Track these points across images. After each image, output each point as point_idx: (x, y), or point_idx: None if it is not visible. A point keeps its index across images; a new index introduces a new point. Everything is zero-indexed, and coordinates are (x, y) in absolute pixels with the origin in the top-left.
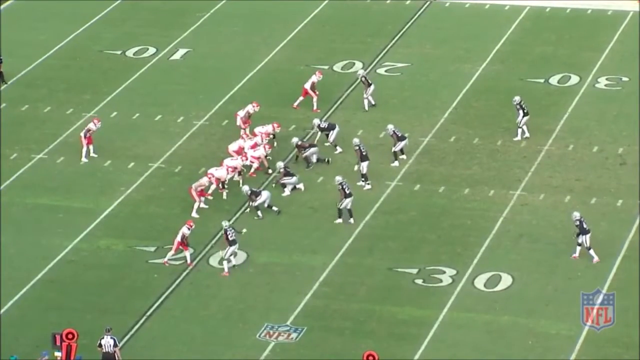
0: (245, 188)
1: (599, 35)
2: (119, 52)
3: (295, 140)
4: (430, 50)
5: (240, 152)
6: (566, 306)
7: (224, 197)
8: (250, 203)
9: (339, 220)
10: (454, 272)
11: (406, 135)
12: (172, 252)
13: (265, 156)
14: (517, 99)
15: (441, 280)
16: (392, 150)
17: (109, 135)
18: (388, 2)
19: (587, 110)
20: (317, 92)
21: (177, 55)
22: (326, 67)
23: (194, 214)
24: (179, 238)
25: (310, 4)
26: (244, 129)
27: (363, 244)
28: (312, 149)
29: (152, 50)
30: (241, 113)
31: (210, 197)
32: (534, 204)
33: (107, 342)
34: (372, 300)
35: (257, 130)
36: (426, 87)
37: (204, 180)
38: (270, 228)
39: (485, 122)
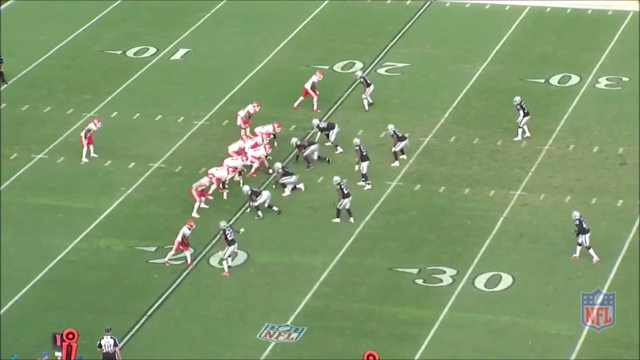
0: (246, 188)
1: (599, 35)
2: (119, 52)
3: (294, 140)
4: (430, 50)
5: (240, 153)
6: (566, 306)
7: (225, 197)
8: (251, 203)
9: (337, 220)
10: (454, 272)
11: (406, 135)
12: (173, 252)
13: (266, 156)
14: (517, 99)
15: (441, 280)
16: (393, 150)
17: (109, 135)
18: (388, 2)
19: (587, 110)
20: (318, 92)
21: (177, 55)
22: (326, 67)
23: (195, 214)
24: (179, 238)
25: (310, 4)
26: (245, 129)
27: (363, 244)
28: (312, 147)
29: (152, 50)
30: (242, 113)
31: (210, 197)
32: (534, 204)
33: (107, 342)
34: (373, 300)
35: (257, 130)
36: (426, 87)
37: (205, 180)
38: (270, 228)
39: (485, 122)
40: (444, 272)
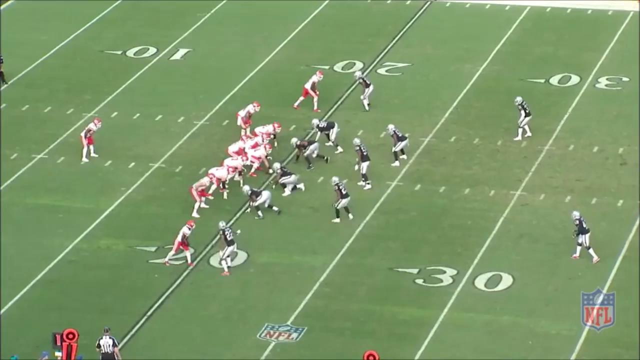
0: (246, 188)
1: (599, 36)
2: (119, 52)
3: (294, 140)
4: (430, 50)
5: (240, 153)
6: (566, 306)
7: (225, 197)
8: (251, 203)
9: (337, 220)
10: (454, 272)
11: (406, 135)
12: (173, 252)
13: (266, 156)
14: (519, 99)
15: (442, 280)
16: (393, 150)
17: (109, 135)
18: (388, 2)
19: (587, 110)
20: (318, 92)
21: (177, 55)
22: (326, 67)
23: (195, 214)
24: (179, 238)
25: (310, 4)
26: (245, 129)
27: (363, 244)
28: (312, 146)
29: (152, 50)
30: (242, 113)
31: (210, 197)
32: (535, 204)
33: (106, 342)
34: (373, 300)
35: (257, 130)
36: (427, 87)
37: (205, 180)
38: (270, 228)
39: (485, 122)
40: (444, 272)
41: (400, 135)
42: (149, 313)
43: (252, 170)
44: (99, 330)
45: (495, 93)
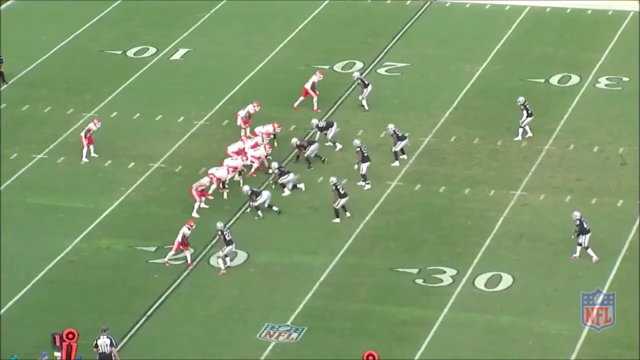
0: (246, 188)
1: (599, 36)
2: (119, 52)
3: (295, 140)
4: (430, 50)
5: (239, 154)
6: (566, 306)
7: (225, 197)
8: (251, 203)
9: (337, 220)
10: (454, 272)
11: (406, 135)
12: (173, 252)
13: (266, 156)
14: (521, 99)
15: (442, 280)
16: (393, 150)
17: (109, 135)
18: (388, 2)
19: (587, 110)
20: (318, 92)
21: (177, 55)
22: (326, 67)
23: (195, 214)
24: (179, 238)
25: (310, 4)
26: (245, 129)
27: (363, 244)
28: (313, 146)
29: (152, 50)
30: (242, 113)
31: (210, 197)
32: (535, 204)
33: (104, 342)
34: (373, 300)
35: (257, 130)
36: (426, 87)
37: (205, 180)
38: (270, 228)
39: (485, 122)
40: (444, 272)
41: (400, 135)
42: (149, 313)
43: (252, 170)
44: (99, 330)
45: (495, 93)
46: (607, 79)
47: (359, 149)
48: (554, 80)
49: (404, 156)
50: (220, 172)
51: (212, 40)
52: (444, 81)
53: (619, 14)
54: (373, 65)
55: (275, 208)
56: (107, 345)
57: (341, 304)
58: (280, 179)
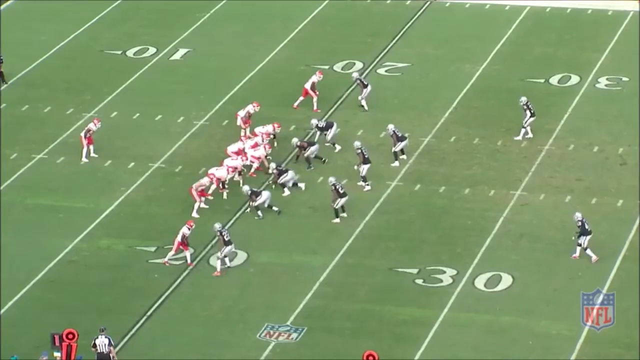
0: (246, 188)
1: (599, 35)
2: (119, 52)
3: (295, 140)
4: (430, 50)
5: (239, 154)
6: (566, 306)
7: (225, 197)
8: (251, 203)
9: (337, 220)
10: (454, 272)
11: (406, 135)
12: (173, 252)
13: (266, 156)
14: (523, 99)
15: (441, 280)
16: (392, 151)
17: (109, 135)
18: (388, 2)
19: (587, 110)
20: (318, 92)
21: (177, 55)
22: (326, 67)
23: (195, 214)
24: (179, 238)
25: (310, 4)
26: (244, 129)
27: (363, 244)
28: (313, 147)
29: (152, 50)
30: (242, 113)
31: (210, 197)
32: (535, 204)
33: (102, 341)
34: (373, 300)
35: (257, 130)
36: (426, 87)
37: (205, 180)
38: (270, 228)
39: (485, 122)
40: (444, 272)
41: (400, 135)
42: (149, 313)
43: (252, 170)
44: (98, 330)
45: (495, 93)
46: (607, 79)
47: (359, 150)
48: (554, 80)
49: (404, 156)
50: (220, 172)
51: (212, 40)
52: (444, 81)
53: (619, 14)
54: (373, 65)
55: (275, 208)
56: (105, 344)
57: (341, 304)
58: (280, 178)
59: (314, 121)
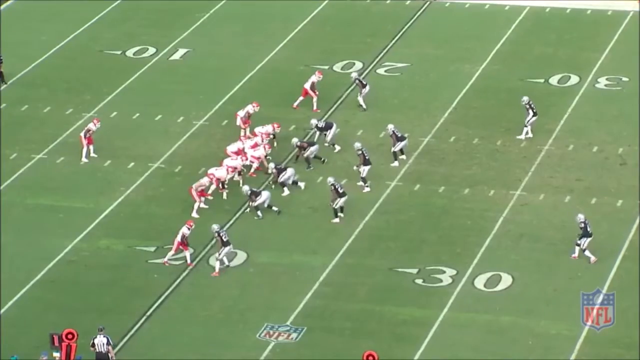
0: (245, 188)
1: (599, 35)
2: (119, 52)
3: (295, 140)
4: (430, 50)
5: (238, 154)
6: (566, 306)
7: (224, 197)
8: (250, 203)
9: (336, 220)
10: (454, 272)
11: (406, 135)
12: (172, 252)
13: (265, 156)
14: (525, 99)
15: (441, 280)
16: (392, 151)
17: (109, 135)
18: (388, 2)
19: (587, 110)
20: (317, 92)
21: (177, 55)
22: (326, 67)
23: (194, 214)
24: (179, 238)
25: (310, 4)
26: (244, 129)
27: (363, 244)
28: (313, 148)
29: (152, 50)
30: (241, 113)
31: (210, 197)
32: (534, 204)
33: (100, 341)
34: (373, 300)
35: (257, 130)
36: (426, 87)
37: (205, 180)
38: (270, 228)
39: (485, 122)
40: (444, 272)
41: (399, 135)
42: (148, 313)
43: (252, 170)
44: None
45: (495, 93)
46: (606, 79)
47: (360, 151)
48: (554, 80)
49: (403, 156)
50: (220, 172)
51: (212, 40)
52: (444, 81)
53: (619, 14)
54: (373, 65)
55: (274, 208)
56: (104, 344)
57: (341, 304)
58: (280, 178)
59: (314, 121)
